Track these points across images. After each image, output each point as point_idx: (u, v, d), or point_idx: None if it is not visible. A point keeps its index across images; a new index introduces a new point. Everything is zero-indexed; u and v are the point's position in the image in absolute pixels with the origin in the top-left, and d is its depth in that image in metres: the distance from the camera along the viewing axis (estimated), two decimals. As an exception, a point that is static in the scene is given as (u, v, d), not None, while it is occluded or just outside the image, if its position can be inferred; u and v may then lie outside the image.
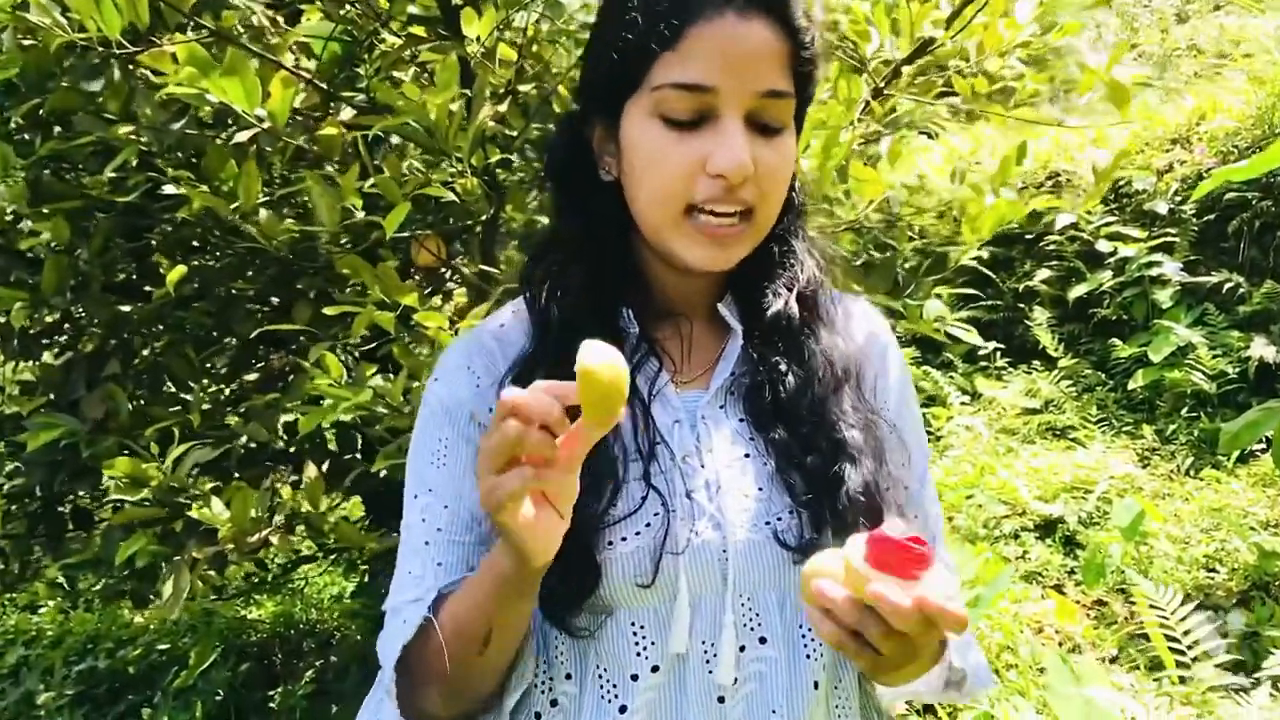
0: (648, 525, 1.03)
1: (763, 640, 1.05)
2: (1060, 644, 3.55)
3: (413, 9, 1.98)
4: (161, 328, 2.69)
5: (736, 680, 1.03)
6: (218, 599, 3.87)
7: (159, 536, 2.21)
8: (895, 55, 2.26)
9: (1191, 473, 4.54)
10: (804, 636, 1.06)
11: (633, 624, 1.04)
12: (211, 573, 2.51)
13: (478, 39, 1.84)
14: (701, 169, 1.01)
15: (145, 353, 2.76)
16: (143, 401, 2.59)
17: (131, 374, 2.64)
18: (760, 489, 1.08)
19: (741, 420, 1.13)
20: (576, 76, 2.14)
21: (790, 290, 1.17)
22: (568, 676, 1.06)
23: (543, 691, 1.08)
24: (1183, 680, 3.08)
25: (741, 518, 1.06)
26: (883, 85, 2.24)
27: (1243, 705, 2.89)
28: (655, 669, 1.03)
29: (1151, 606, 3.28)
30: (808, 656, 1.06)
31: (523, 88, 2.18)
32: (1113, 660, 3.44)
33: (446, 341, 1.76)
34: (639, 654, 1.03)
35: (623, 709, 1.03)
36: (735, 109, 1.01)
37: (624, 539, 1.03)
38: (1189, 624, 3.20)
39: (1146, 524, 3.83)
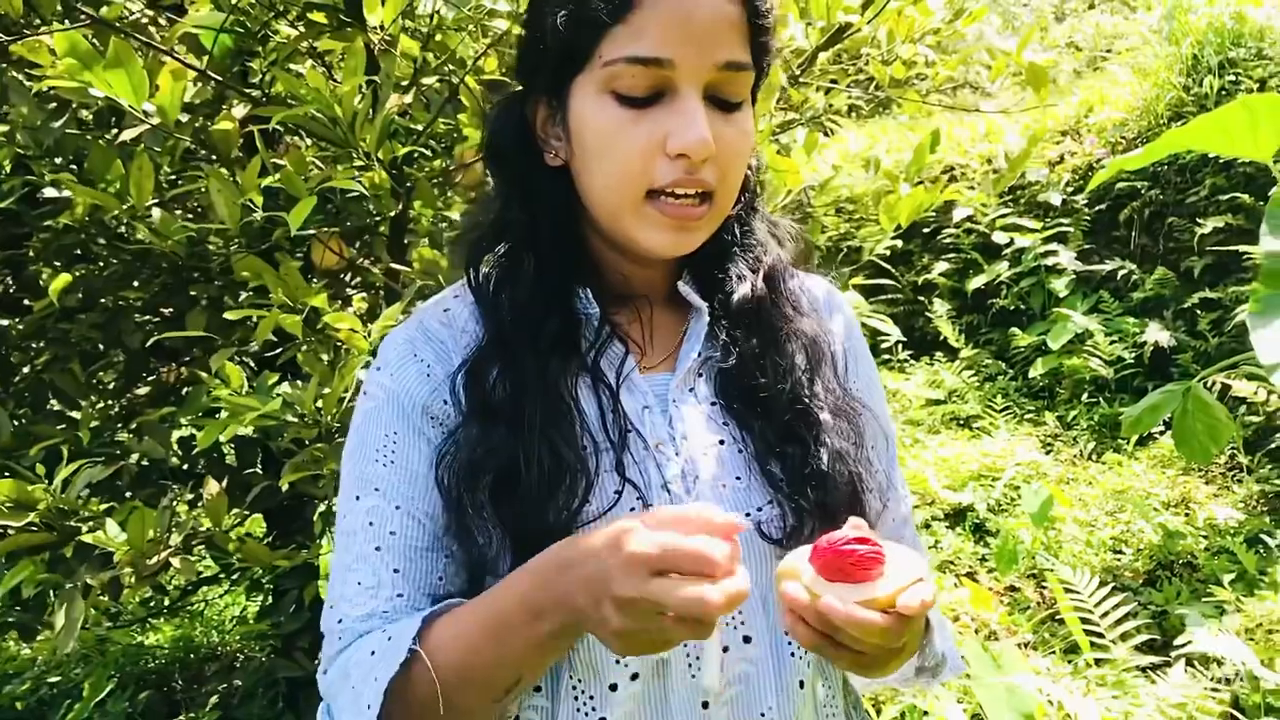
0: None
1: (747, 640, 0.99)
2: (977, 631, 3.58)
3: (310, -4, 1.89)
4: (44, 342, 2.53)
5: (722, 683, 0.97)
6: (113, 626, 3.68)
7: (47, 563, 2.07)
8: (806, 44, 2.23)
9: (1094, 457, 4.64)
10: (788, 633, 1.01)
11: None
12: (104, 599, 2.37)
13: (381, 26, 1.75)
14: (660, 149, 0.95)
15: (26, 369, 2.60)
16: (25, 421, 2.43)
17: (13, 391, 2.48)
18: (738, 478, 1.03)
19: (713, 404, 1.07)
20: (484, 68, 2.08)
21: (755, 272, 1.11)
22: (537, 689, 0.98)
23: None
24: (1098, 662, 3.12)
25: (722, 510, 0.99)
26: (798, 73, 2.21)
27: (1158, 683, 2.93)
28: (635, 676, 0.96)
29: (1067, 590, 3.31)
30: (793, 654, 1.01)
31: (426, 80, 2.09)
32: (1029, 646, 3.47)
33: (360, 345, 1.67)
34: (617, 661, 0.96)
35: None
36: (693, 83, 0.94)
37: None
38: (1104, 606, 3.25)
39: (1054, 509, 3.88)
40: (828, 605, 0.79)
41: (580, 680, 0.97)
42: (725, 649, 0.97)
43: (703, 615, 0.75)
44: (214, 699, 3.54)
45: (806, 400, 1.06)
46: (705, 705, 0.97)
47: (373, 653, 0.92)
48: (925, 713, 2.99)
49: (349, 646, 0.97)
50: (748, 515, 1.01)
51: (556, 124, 1.03)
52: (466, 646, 0.89)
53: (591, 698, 0.97)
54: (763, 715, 0.99)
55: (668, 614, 0.77)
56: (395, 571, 0.98)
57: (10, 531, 2.01)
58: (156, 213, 1.79)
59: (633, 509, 0.97)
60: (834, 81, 2.62)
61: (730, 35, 0.95)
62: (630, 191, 0.97)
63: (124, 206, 1.76)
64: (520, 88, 1.09)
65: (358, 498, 1.02)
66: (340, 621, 0.99)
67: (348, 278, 2.54)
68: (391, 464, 1.01)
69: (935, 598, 0.82)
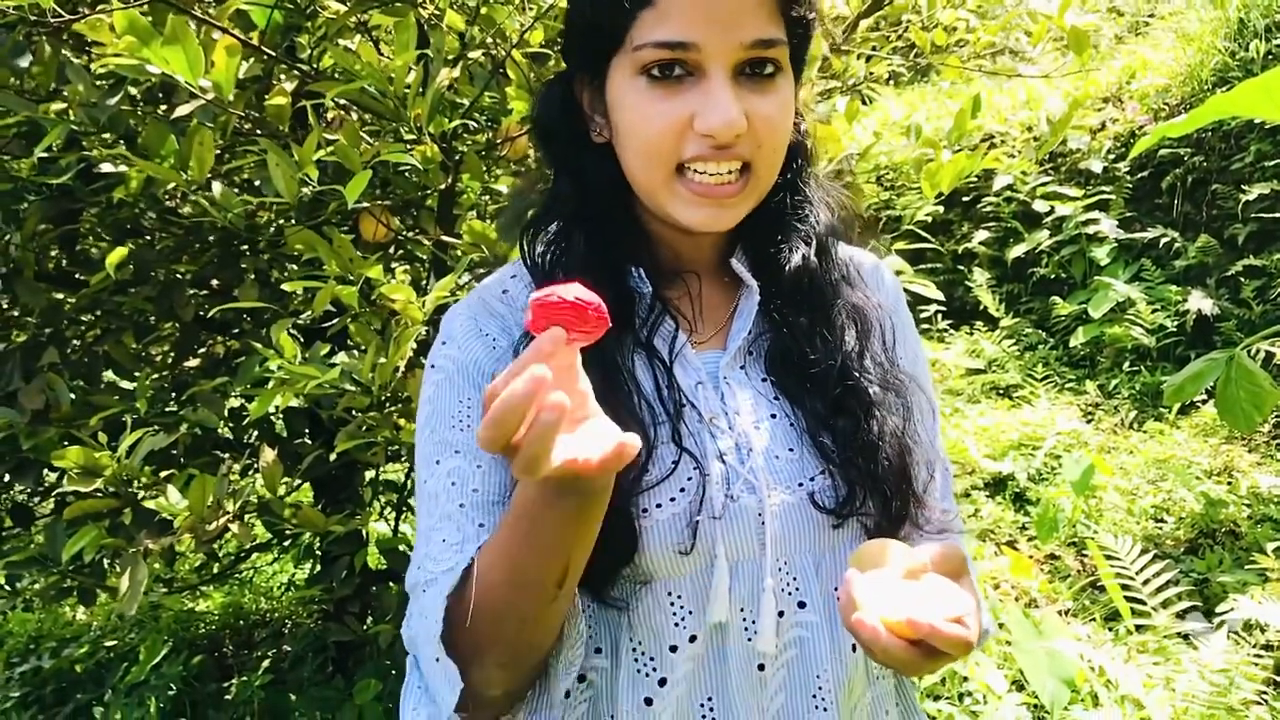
0: (682, 490, 0.99)
1: (802, 605, 1.02)
2: (1017, 599, 3.59)
3: (360, -29, 1.91)
4: (97, 315, 2.58)
5: (778, 647, 1.00)
6: (167, 592, 3.76)
7: (108, 529, 2.13)
8: (847, 11, 2.23)
9: (1135, 426, 4.62)
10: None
11: (669, 593, 1.00)
12: (157, 566, 2.43)
13: (431, 0, 1.77)
14: (689, 127, 0.97)
15: (78, 342, 2.66)
16: (82, 392, 2.49)
17: (69, 363, 2.54)
18: (791, 450, 1.05)
19: (764, 380, 1.10)
20: (530, 41, 2.10)
21: (809, 244, 1.13)
22: (598, 650, 1.02)
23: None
24: (1139, 629, 3.12)
25: (775, 479, 1.02)
26: (840, 41, 2.21)
27: (1200, 649, 2.94)
28: (693, 639, 0.99)
29: (1109, 558, 3.32)
30: None
31: (472, 54, 2.11)
32: (1069, 613, 3.48)
33: (414, 316, 1.70)
34: (677, 624, 0.99)
35: (662, 682, 0.99)
36: (721, 63, 0.96)
37: (659, 505, 0.98)
38: (1146, 574, 3.25)
39: (1095, 478, 3.87)
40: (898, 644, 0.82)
41: (641, 642, 1.00)
42: (780, 614, 1.01)
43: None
44: (265, 663, 3.62)
45: (856, 375, 1.08)
46: (761, 667, 1.00)
47: (434, 579, 0.95)
48: (965, 678, 3.01)
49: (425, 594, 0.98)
50: (800, 485, 1.03)
51: (599, 102, 1.06)
52: (506, 551, 0.89)
53: (652, 659, 1.00)
54: (818, 678, 1.01)
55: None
56: (480, 526, 0.99)
57: (76, 498, 2.07)
58: (216, 186, 1.82)
59: (690, 478, 0.99)
60: (875, 48, 2.62)
61: (758, 13, 0.96)
62: (661, 168, 1.00)
63: (183, 179, 1.80)
64: (567, 67, 1.12)
65: (438, 462, 1.03)
66: (427, 577, 0.99)
67: (393, 250, 2.58)
68: (469, 427, 1.03)
69: (972, 637, 0.83)
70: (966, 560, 0.96)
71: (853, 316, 1.12)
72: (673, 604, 0.99)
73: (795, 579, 1.02)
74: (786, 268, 1.11)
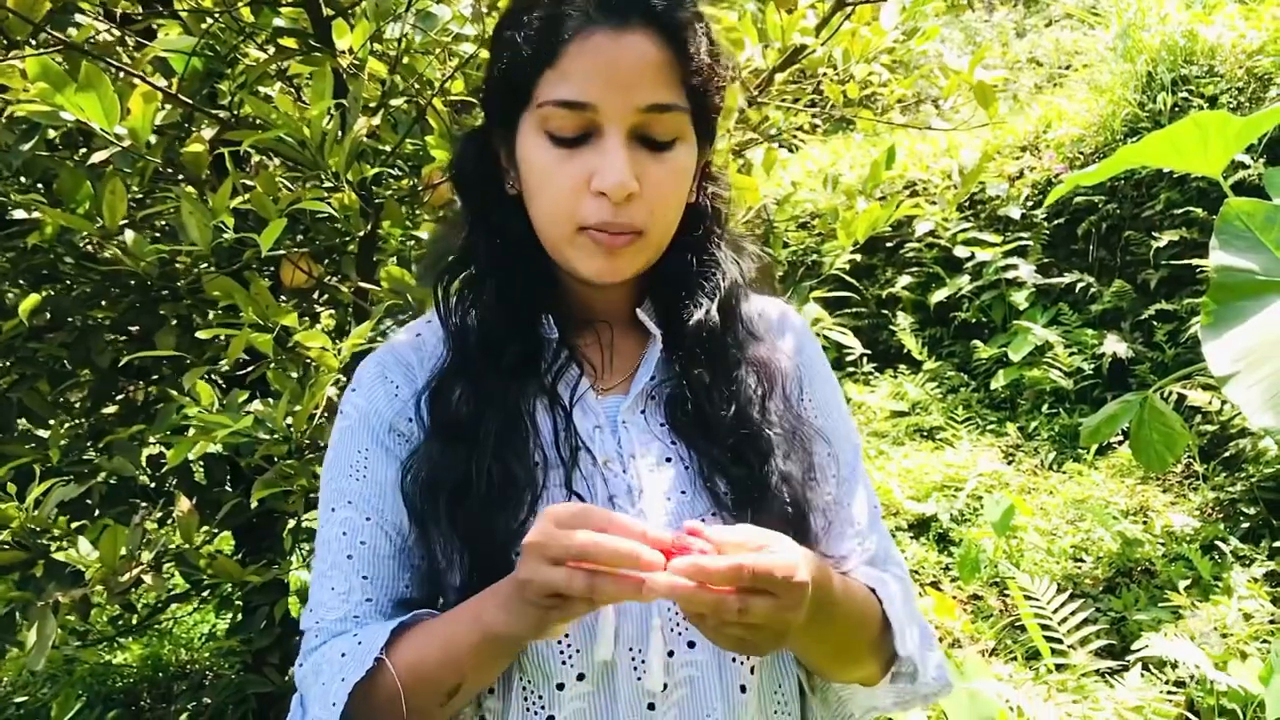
0: None
1: (691, 645, 1.03)
2: (941, 639, 3.63)
3: (279, 21, 1.91)
4: (11, 361, 2.54)
5: (666, 686, 1.01)
6: (81, 645, 3.66)
7: (17, 582, 2.08)
8: (763, 64, 2.28)
9: (1054, 467, 4.72)
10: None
11: None
12: (72, 618, 2.37)
13: (350, 50, 1.79)
14: (586, 186, 1.00)
15: (-6, 388, 2.60)
16: (-4, 439, 2.44)
17: (-21, 411, 2.48)
18: (683, 492, 1.08)
19: (662, 425, 1.13)
20: (451, 90, 2.12)
21: (712, 300, 1.15)
22: (490, 691, 1.04)
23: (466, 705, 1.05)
24: (1059, 668, 3.18)
25: (664, 520, 1.05)
26: (756, 94, 2.26)
27: (1116, 687, 3.00)
28: (581, 677, 1.01)
29: (1028, 598, 3.38)
30: (734, 660, 1.05)
31: (394, 102, 2.13)
32: (991, 652, 3.53)
33: (330, 363, 1.70)
34: (564, 663, 1.01)
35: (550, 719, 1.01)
36: (617, 125, 0.99)
37: None
38: (1064, 612, 3.31)
39: (1016, 518, 3.95)
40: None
41: (530, 681, 1.02)
42: (670, 653, 1.02)
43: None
44: (184, 717, 3.53)
45: (756, 425, 1.10)
46: (651, 707, 1.02)
47: (343, 654, 1.00)
48: (890, 719, 3.04)
49: (323, 645, 1.05)
50: None
51: (511, 156, 1.09)
52: (422, 653, 0.98)
53: (540, 698, 1.02)
54: (708, 717, 1.02)
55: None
56: (364, 578, 1.06)
57: (-21, 550, 2.02)
58: (129, 234, 1.81)
59: None
60: (795, 100, 2.68)
61: (655, 78, 1.00)
62: (564, 226, 1.03)
63: (95, 227, 1.78)
64: (484, 120, 1.15)
65: (333, 509, 1.09)
66: (318, 623, 1.07)
67: (316, 296, 2.57)
68: (364, 478, 1.09)
69: (788, 572, 0.85)
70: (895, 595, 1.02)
71: (755, 369, 1.15)
72: (560, 642, 1.01)
73: (684, 619, 1.03)
74: (688, 323, 1.13)
